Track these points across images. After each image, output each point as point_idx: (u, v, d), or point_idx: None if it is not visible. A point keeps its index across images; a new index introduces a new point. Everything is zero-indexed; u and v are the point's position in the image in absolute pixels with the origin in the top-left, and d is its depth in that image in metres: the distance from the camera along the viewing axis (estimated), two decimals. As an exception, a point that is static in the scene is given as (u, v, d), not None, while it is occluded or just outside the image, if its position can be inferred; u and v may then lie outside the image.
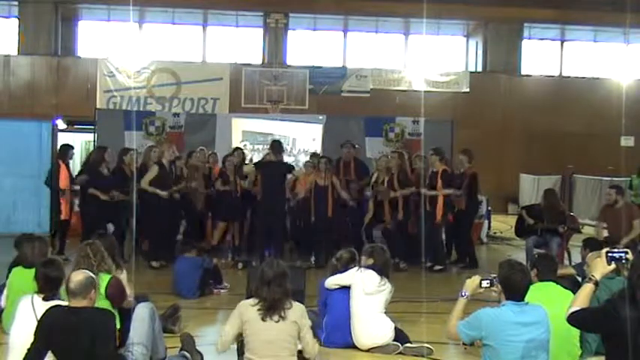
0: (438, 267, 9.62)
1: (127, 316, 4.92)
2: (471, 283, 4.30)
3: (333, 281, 6.00)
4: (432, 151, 9.78)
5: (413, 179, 9.87)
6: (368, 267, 5.94)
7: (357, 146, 11.14)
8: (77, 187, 9.99)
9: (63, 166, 10.04)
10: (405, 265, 9.53)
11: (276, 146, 9.90)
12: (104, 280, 4.87)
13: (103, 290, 4.79)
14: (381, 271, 5.91)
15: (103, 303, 4.68)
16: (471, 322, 4.09)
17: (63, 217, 9.94)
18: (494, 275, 4.23)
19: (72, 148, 10.45)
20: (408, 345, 5.72)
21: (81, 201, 9.99)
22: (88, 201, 9.68)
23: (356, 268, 5.99)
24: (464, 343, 5.72)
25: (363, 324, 5.76)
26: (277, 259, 4.95)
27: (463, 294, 4.28)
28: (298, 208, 10.46)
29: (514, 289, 4.03)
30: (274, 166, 9.68)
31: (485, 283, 4.23)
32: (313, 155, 11.14)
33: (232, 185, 10.04)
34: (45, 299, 4.53)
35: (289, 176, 10.34)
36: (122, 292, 4.99)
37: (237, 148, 11.07)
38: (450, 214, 9.84)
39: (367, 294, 5.80)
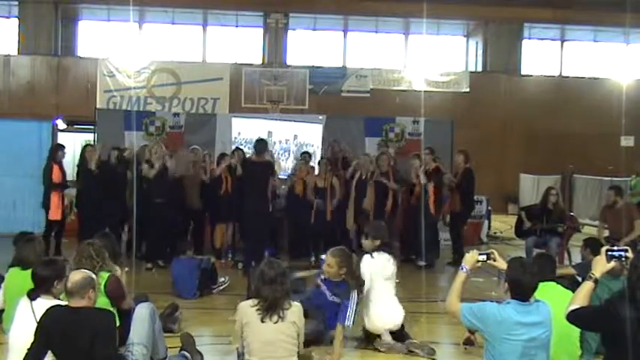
0: (422, 262, 9.67)
1: (126, 316, 4.90)
2: (470, 258, 4.37)
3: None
4: (427, 150, 10.28)
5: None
6: (379, 249, 5.97)
7: (342, 146, 11.22)
8: (70, 189, 9.97)
9: (56, 167, 9.84)
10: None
11: (260, 146, 9.42)
12: (103, 277, 4.86)
13: (102, 287, 4.78)
14: (388, 246, 6.11)
15: (102, 300, 4.67)
16: (475, 312, 4.10)
17: (51, 217, 9.72)
18: (492, 250, 4.41)
19: (63, 147, 10.23)
20: (411, 341, 5.77)
21: (78, 201, 9.97)
22: (83, 201, 9.66)
23: (368, 256, 5.96)
24: (464, 343, 5.74)
25: (380, 308, 5.84)
26: (276, 259, 4.94)
27: (463, 268, 4.34)
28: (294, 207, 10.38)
29: (522, 290, 4.03)
30: (257, 166, 9.31)
31: (482, 258, 4.35)
32: (305, 154, 11.13)
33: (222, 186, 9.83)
34: (29, 296, 4.47)
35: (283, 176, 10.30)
36: (121, 289, 4.97)
37: (237, 149, 10.97)
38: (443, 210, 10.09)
39: (386, 279, 5.92)
